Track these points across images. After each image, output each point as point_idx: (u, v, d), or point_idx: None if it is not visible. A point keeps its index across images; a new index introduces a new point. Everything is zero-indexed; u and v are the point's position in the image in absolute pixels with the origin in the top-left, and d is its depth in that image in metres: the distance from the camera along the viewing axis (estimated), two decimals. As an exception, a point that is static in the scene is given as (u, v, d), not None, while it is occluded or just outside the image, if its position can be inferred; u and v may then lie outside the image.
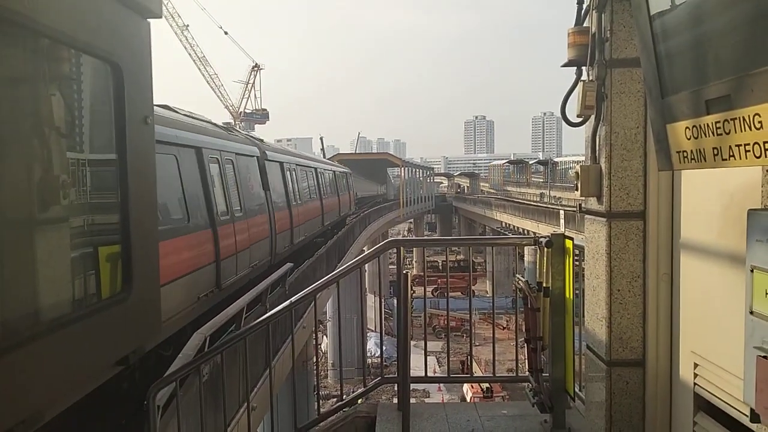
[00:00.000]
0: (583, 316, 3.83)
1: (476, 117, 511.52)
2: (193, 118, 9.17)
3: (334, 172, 23.34)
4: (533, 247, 4.37)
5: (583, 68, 3.46)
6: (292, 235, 13.41)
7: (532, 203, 54.63)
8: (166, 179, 6.83)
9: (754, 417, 1.77)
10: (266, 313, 4.61)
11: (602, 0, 3.22)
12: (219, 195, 8.70)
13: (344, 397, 4.82)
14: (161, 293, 3.32)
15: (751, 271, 1.80)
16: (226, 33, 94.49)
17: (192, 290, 7.30)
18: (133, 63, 2.71)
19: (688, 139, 1.95)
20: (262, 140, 13.69)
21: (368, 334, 33.64)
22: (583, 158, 3.62)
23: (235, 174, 9.65)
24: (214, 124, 10.54)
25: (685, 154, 2.01)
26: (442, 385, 29.27)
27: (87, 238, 2.57)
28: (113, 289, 2.63)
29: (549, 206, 47.39)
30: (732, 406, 2.44)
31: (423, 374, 5.19)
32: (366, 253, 4.96)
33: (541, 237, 4.17)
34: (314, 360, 16.05)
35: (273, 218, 11.54)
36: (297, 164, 15.72)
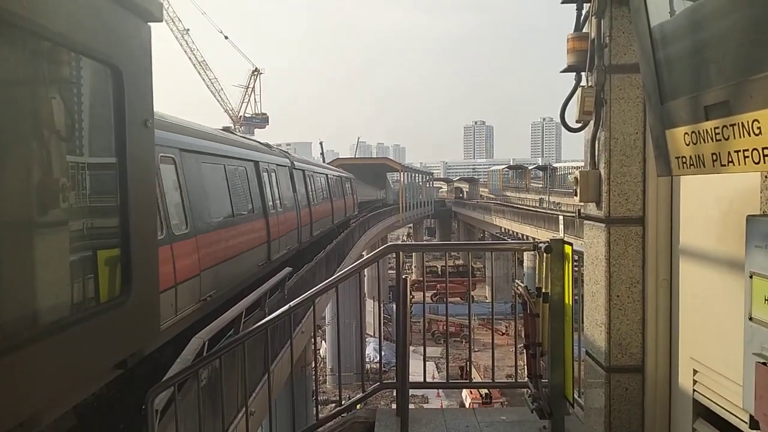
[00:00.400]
0: (583, 322, 3.83)
1: (476, 122, 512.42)
2: (247, 139, 14.04)
3: (340, 177, 26.57)
4: (532, 252, 4.37)
5: (583, 74, 3.47)
6: (311, 229, 16.81)
7: (531, 209, 54.65)
8: (239, 183, 10.43)
9: (753, 424, 1.77)
10: (265, 317, 4.60)
11: (601, 6, 3.22)
12: (268, 195, 12.16)
13: (343, 402, 4.81)
14: (245, 259, 6.67)
15: (750, 277, 1.80)
16: (226, 37, 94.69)
17: (255, 259, 10.57)
18: (134, 66, 2.72)
19: (687, 145, 1.95)
20: (287, 153, 17.69)
21: (367, 340, 33.58)
22: (583, 164, 3.63)
23: (276, 180, 13.22)
24: (258, 143, 14.31)
25: (684, 159, 2.01)
26: (440, 390, 29.20)
27: (86, 241, 2.57)
28: (112, 292, 2.63)
29: (548, 212, 47.40)
30: (731, 413, 2.44)
31: (422, 380, 5.18)
32: (365, 257, 4.95)
33: (541, 242, 4.17)
34: (313, 365, 16.04)
35: (299, 214, 14.88)
36: (314, 171, 19.30)
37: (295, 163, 15.94)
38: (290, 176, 14.93)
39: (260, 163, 12.00)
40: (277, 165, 13.67)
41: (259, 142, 14.50)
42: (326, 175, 22.19)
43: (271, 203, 12.23)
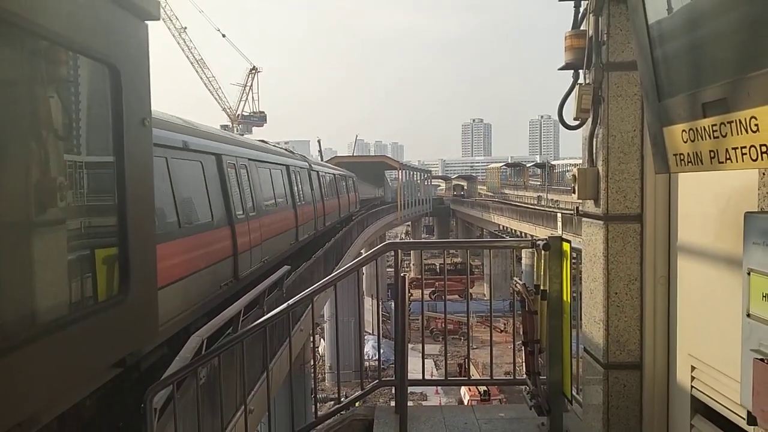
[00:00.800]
0: (581, 319, 3.83)
1: (474, 120, 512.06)
2: (279, 148, 17.33)
3: (345, 176, 30.53)
4: (531, 250, 4.38)
5: (580, 71, 3.47)
6: (324, 220, 19.78)
7: (529, 206, 54.70)
8: (279, 183, 14.11)
9: (751, 420, 1.77)
10: (263, 315, 4.60)
11: (599, 3, 3.22)
12: (296, 192, 15.45)
13: (342, 400, 4.81)
14: (282, 239, 12.24)
15: (748, 273, 1.80)
16: (224, 36, 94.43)
17: (286, 241, 13.65)
18: (131, 65, 2.71)
19: (685, 142, 1.95)
20: (305, 156, 20.42)
21: (366, 337, 33.61)
22: (581, 161, 3.63)
23: (300, 180, 16.24)
24: (285, 149, 17.72)
25: (681, 157, 2.01)
26: (439, 388, 29.22)
27: (84, 240, 2.57)
28: (110, 291, 2.62)
29: (546, 209, 47.46)
30: (729, 409, 2.44)
31: (420, 377, 5.19)
32: (364, 255, 4.95)
33: (539, 240, 4.17)
34: (312, 363, 16.08)
35: (315, 207, 17.76)
36: (326, 172, 23.00)
37: (312, 165, 19.50)
38: (309, 177, 17.95)
39: (290, 167, 15.37)
40: (300, 168, 16.72)
41: (286, 149, 18.00)
42: (334, 175, 26.06)
43: (297, 199, 15.13)
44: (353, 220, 30.53)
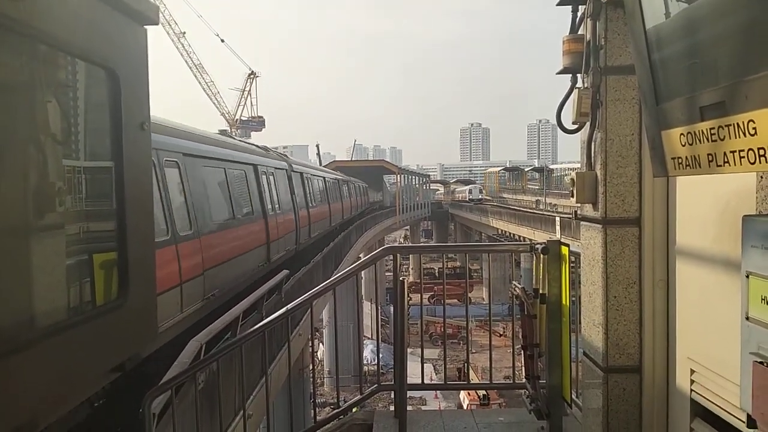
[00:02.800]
0: (580, 323, 3.83)
1: (472, 124, 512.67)
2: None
3: (361, 185, 38.09)
4: (529, 254, 4.38)
5: (578, 75, 3.48)
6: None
7: (527, 210, 54.70)
8: (329, 190, 22.15)
9: (751, 423, 1.77)
10: (262, 320, 4.59)
11: (597, 8, 3.23)
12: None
13: (341, 404, 4.80)
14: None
15: (747, 276, 1.80)
16: (222, 41, 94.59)
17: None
18: (130, 69, 2.72)
19: (683, 146, 1.96)
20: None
21: (365, 342, 33.54)
22: (579, 165, 3.63)
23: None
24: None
25: (679, 160, 2.02)
26: (438, 392, 29.17)
27: (83, 245, 2.56)
28: (109, 296, 2.62)
29: (545, 213, 47.47)
30: (729, 413, 2.44)
31: (420, 381, 5.18)
32: (362, 260, 4.95)
33: (537, 244, 4.18)
34: (310, 368, 16.01)
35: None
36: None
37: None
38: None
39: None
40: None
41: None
42: (355, 184, 33.79)
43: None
44: (355, 222, 31.42)
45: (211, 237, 8.44)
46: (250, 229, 10.87)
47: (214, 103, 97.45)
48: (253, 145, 16.11)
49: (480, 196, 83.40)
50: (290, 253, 14.19)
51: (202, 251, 8.00)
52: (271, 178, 13.47)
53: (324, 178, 22.93)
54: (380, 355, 7.02)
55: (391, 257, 4.75)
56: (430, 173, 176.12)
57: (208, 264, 8.16)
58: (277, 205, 13.48)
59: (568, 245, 4.02)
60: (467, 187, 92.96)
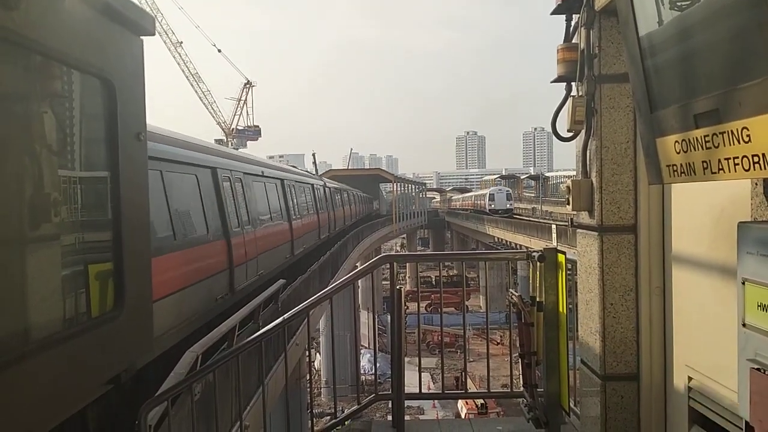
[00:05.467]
0: (577, 331, 3.83)
1: (468, 132, 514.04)
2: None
3: (368, 197, 40.66)
4: (526, 261, 4.38)
5: (573, 84, 3.50)
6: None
7: (524, 218, 54.72)
8: (346, 200, 29.99)
9: (749, 430, 1.77)
10: (259, 330, 4.57)
11: (590, 17, 3.26)
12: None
13: (338, 414, 4.78)
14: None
15: (743, 283, 1.81)
16: (219, 51, 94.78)
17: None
18: (126, 80, 2.72)
19: (678, 153, 1.97)
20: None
21: (362, 351, 33.43)
22: (574, 173, 3.65)
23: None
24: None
25: (674, 167, 2.02)
26: (436, 401, 29.05)
27: (78, 256, 2.55)
28: (104, 307, 2.61)
29: (541, 221, 47.53)
30: (726, 419, 2.44)
31: (417, 391, 5.15)
32: (359, 268, 4.94)
33: (534, 251, 4.18)
34: (307, 377, 15.90)
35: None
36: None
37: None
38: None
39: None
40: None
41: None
42: (362, 195, 38.39)
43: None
44: (352, 231, 32.21)
45: (261, 230, 11.78)
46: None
47: (210, 112, 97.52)
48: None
49: (508, 206, 60.06)
50: (310, 248, 18.12)
51: (256, 241, 11.13)
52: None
53: (348, 191, 32.27)
54: (377, 365, 7.00)
55: (388, 266, 4.74)
56: (427, 181, 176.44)
57: (260, 250, 11.27)
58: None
59: (564, 253, 4.02)
60: (485, 192, 66.19)
